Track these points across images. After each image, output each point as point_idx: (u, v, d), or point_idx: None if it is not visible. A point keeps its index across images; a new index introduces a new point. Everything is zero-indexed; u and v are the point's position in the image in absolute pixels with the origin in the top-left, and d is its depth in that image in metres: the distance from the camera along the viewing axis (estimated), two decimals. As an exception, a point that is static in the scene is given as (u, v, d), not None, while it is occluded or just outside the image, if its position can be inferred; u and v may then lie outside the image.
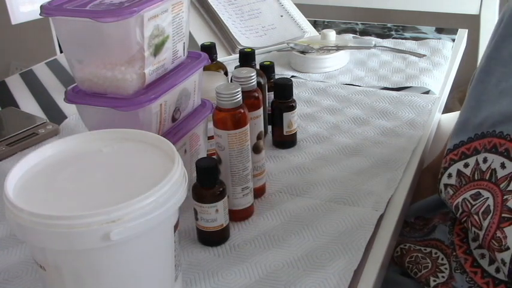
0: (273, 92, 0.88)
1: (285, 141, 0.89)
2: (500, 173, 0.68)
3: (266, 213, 0.74)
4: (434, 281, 0.73)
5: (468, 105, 0.78)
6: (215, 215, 0.66)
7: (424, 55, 1.22)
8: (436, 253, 0.77)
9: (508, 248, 0.64)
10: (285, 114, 0.86)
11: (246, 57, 0.91)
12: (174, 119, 0.72)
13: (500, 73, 0.74)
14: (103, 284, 0.50)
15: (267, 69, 0.92)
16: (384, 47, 1.28)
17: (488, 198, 0.68)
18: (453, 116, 1.13)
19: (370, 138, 0.91)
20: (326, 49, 1.19)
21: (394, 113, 0.99)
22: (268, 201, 0.76)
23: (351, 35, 1.36)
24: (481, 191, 0.70)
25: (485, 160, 0.71)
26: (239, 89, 0.68)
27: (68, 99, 0.68)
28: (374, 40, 1.30)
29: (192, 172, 0.71)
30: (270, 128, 0.91)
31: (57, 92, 1.15)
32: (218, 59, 0.98)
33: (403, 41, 1.32)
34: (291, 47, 1.21)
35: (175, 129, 0.72)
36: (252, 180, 0.72)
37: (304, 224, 0.71)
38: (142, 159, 0.56)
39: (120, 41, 0.64)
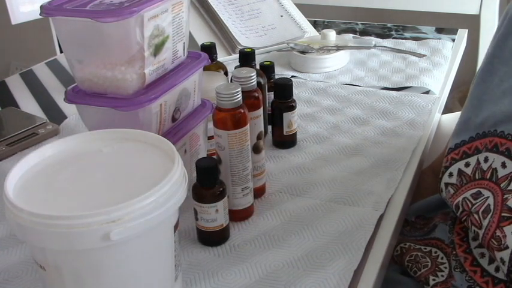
0: (273, 92, 0.88)
1: (285, 141, 0.89)
2: (501, 173, 0.68)
3: (266, 213, 0.74)
4: (434, 280, 0.73)
5: (470, 105, 0.78)
6: (215, 215, 0.66)
7: (424, 55, 1.22)
8: (436, 252, 0.77)
9: (507, 247, 0.64)
10: (285, 114, 0.86)
11: (246, 57, 0.91)
12: (174, 119, 0.72)
13: (502, 73, 0.74)
14: (103, 284, 0.50)
15: (267, 69, 0.92)
16: (384, 47, 1.28)
17: (488, 197, 0.68)
18: (453, 116, 1.13)
19: (370, 138, 0.91)
20: (326, 49, 1.19)
21: (394, 113, 0.99)
22: (268, 201, 0.76)
23: (351, 35, 1.36)
24: (481, 190, 0.70)
25: (486, 159, 0.71)
26: (239, 89, 0.68)
27: (68, 99, 0.68)
28: (374, 40, 1.30)
29: (192, 172, 0.71)
30: (270, 128, 0.91)
31: (57, 92, 1.15)
32: (218, 59, 0.98)
33: (403, 41, 1.32)
34: (291, 47, 1.21)
35: (175, 129, 0.72)
36: (252, 180, 0.72)
37: (304, 224, 0.71)
38: (142, 159, 0.56)
39: (120, 41, 0.64)
